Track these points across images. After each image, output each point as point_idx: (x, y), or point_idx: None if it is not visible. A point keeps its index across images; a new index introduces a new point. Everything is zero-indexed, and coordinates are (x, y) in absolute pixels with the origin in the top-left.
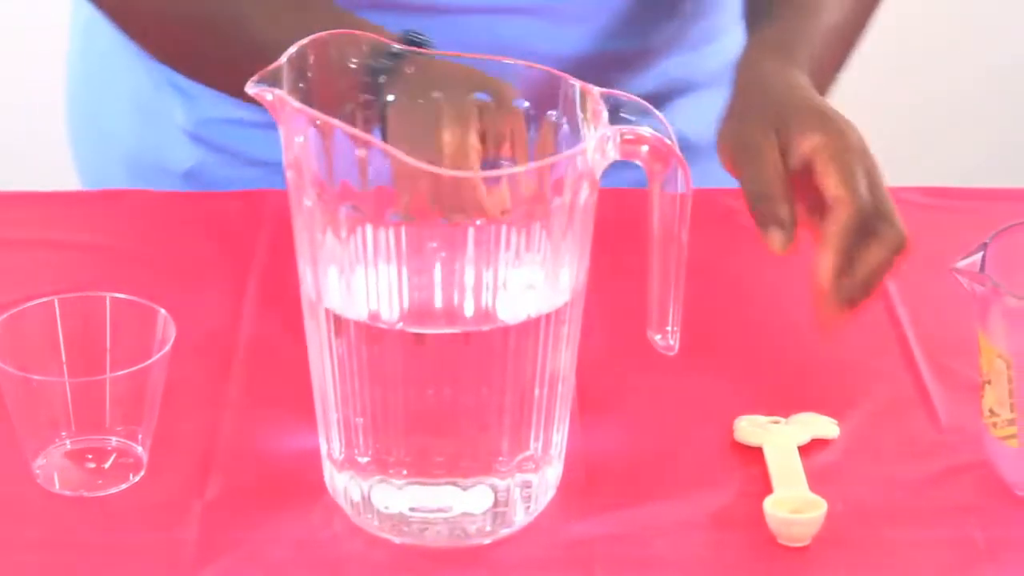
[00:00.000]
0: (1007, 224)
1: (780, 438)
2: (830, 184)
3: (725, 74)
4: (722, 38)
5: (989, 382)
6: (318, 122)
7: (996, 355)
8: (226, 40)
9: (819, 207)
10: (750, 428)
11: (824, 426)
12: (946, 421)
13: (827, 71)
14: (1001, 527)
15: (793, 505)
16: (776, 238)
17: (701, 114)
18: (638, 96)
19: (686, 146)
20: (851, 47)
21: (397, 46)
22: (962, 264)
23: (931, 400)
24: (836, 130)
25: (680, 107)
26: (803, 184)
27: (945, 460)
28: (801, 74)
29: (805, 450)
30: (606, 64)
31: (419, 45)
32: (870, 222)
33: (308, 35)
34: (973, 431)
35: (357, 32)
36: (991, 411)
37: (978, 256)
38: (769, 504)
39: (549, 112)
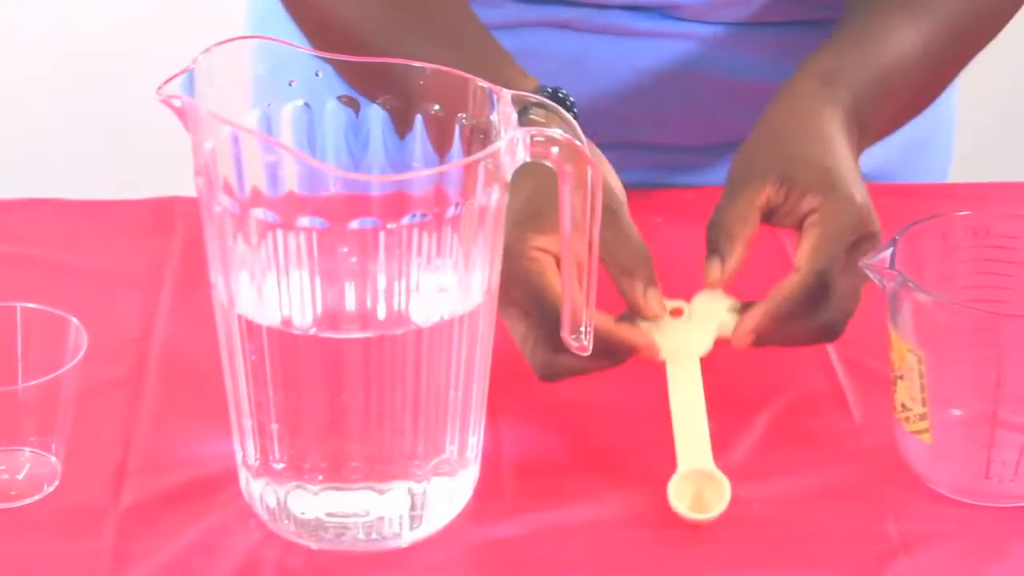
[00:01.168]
0: (917, 220)
1: (681, 343)
2: (800, 250)
3: None
4: None
5: (901, 377)
6: (227, 128)
7: (907, 350)
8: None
9: None
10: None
11: (726, 309)
12: (859, 416)
13: (882, 107)
14: (915, 521)
15: (696, 485)
16: (711, 269)
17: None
18: None
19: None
20: (914, 99)
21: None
22: (872, 260)
23: (844, 396)
24: (836, 200)
25: None
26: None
27: (859, 455)
28: (836, 113)
29: (716, 432)
30: (767, 93)
31: (561, 103)
32: (818, 301)
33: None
34: (886, 426)
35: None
36: (903, 406)
37: (888, 252)
38: (673, 492)
39: (459, 114)
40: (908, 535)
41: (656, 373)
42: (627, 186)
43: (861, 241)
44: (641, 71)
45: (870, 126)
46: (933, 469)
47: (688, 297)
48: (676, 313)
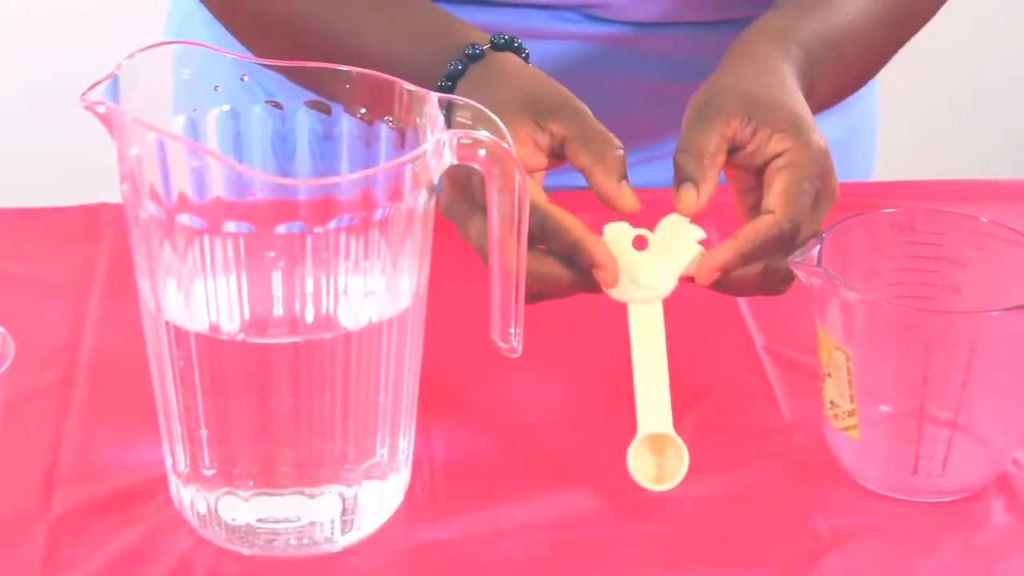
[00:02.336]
0: (843, 218)
1: (645, 280)
2: (770, 194)
3: None
4: None
5: (829, 374)
6: (153, 134)
7: (835, 347)
8: (324, 51)
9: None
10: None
11: (691, 239)
12: (789, 413)
13: (832, 68)
14: (845, 517)
15: (654, 450)
16: (686, 195)
17: None
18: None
19: None
20: (866, 62)
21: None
22: (799, 258)
23: (774, 393)
24: (807, 144)
25: None
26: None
27: (789, 452)
28: (791, 67)
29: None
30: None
31: (517, 51)
32: (785, 245)
33: (399, 40)
34: (815, 423)
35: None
36: (832, 403)
37: (814, 250)
38: (632, 458)
39: (386, 117)
40: (838, 531)
41: (589, 370)
42: (548, 189)
43: (823, 191)
44: (560, 72)
45: (819, 86)
46: (862, 465)
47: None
48: (640, 243)
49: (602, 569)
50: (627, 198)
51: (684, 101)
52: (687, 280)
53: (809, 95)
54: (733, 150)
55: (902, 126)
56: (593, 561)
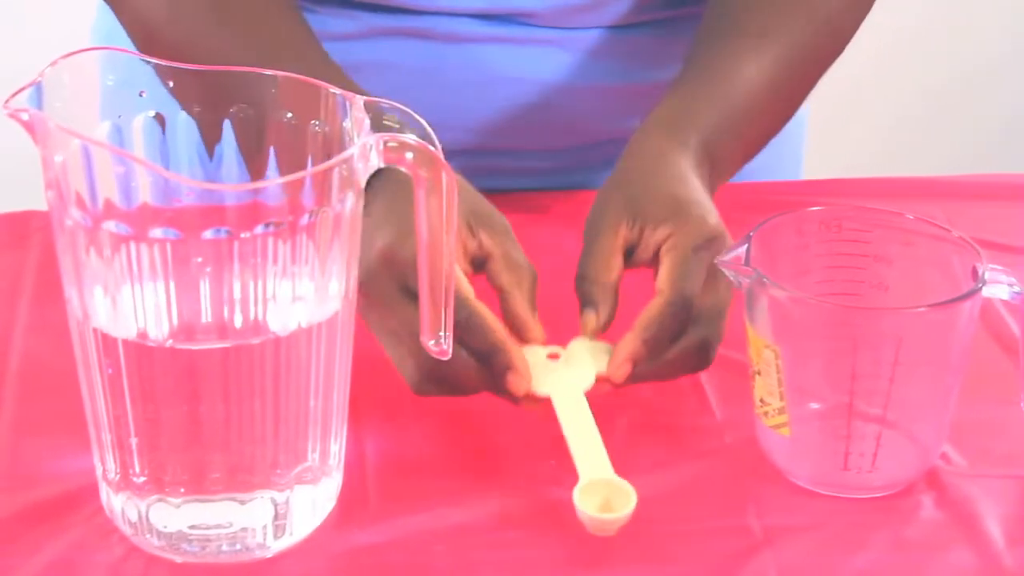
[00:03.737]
0: (771, 216)
1: (566, 385)
2: (659, 275)
3: None
4: None
5: (759, 373)
6: (78, 141)
7: (764, 346)
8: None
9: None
10: (535, 370)
11: (601, 354)
12: (720, 412)
13: (733, 144)
14: (777, 514)
15: (603, 495)
16: (587, 321)
17: None
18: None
19: None
20: (763, 130)
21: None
22: (727, 257)
23: (705, 392)
24: (687, 223)
25: None
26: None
27: (720, 450)
28: (684, 156)
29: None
30: (632, 96)
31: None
32: (685, 321)
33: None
34: (747, 421)
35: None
36: (762, 401)
37: (743, 249)
38: (579, 494)
39: (312, 122)
40: (770, 529)
41: None
42: (484, 191)
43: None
44: (496, 79)
45: (722, 163)
46: (793, 462)
47: (563, 344)
48: (553, 357)
49: (535, 570)
50: (537, 329)
51: (614, 102)
52: (603, 381)
53: (714, 174)
54: (629, 253)
55: (829, 125)
56: (526, 563)
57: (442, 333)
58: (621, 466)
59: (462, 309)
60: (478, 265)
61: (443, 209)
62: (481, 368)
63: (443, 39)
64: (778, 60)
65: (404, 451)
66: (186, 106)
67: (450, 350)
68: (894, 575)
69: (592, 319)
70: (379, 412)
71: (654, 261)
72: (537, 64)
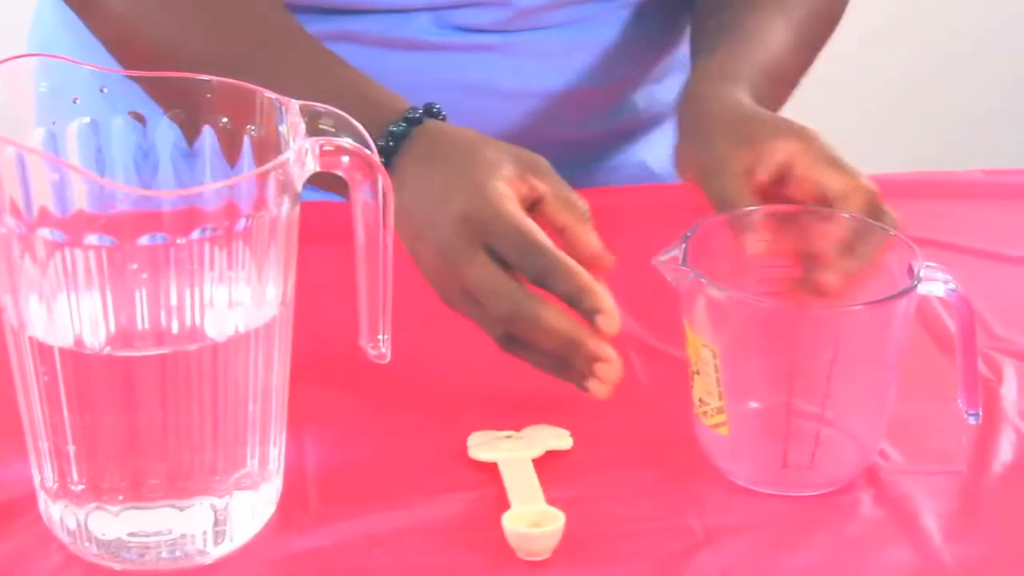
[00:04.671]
0: (708, 216)
1: (514, 454)
2: (833, 178)
3: None
4: (687, 66)
5: (697, 372)
6: (11, 148)
7: (702, 345)
8: None
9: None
10: (483, 444)
11: (557, 438)
12: (660, 411)
13: (771, 97)
14: (717, 514)
15: (532, 519)
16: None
17: (668, 147)
18: (609, 132)
19: (654, 179)
20: (792, 84)
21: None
22: (664, 257)
23: (644, 392)
24: (809, 136)
25: (649, 141)
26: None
27: (660, 450)
28: (748, 97)
29: (539, 461)
30: (575, 100)
31: (435, 116)
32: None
33: (332, 97)
34: (686, 420)
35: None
36: (701, 400)
37: (680, 249)
38: (507, 519)
39: (248, 126)
40: (711, 528)
41: (460, 374)
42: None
43: None
44: (441, 84)
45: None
46: (732, 461)
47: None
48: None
49: (475, 572)
50: (608, 256)
51: (560, 106)
52: (555, 454)
53: None
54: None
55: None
56: (466, 566)
57: (381, 336)
58: (560, 465)
59: (542, 257)
60: (531, 208)
61: (379, 212)
62: (565, 320)
63: (389, 45)
64: (798, 21)
65: (344, 455)
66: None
67: (388, 354)
68: (834, 573)
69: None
70: (319, 416)
71: (775, 175)
72: (481, 70)
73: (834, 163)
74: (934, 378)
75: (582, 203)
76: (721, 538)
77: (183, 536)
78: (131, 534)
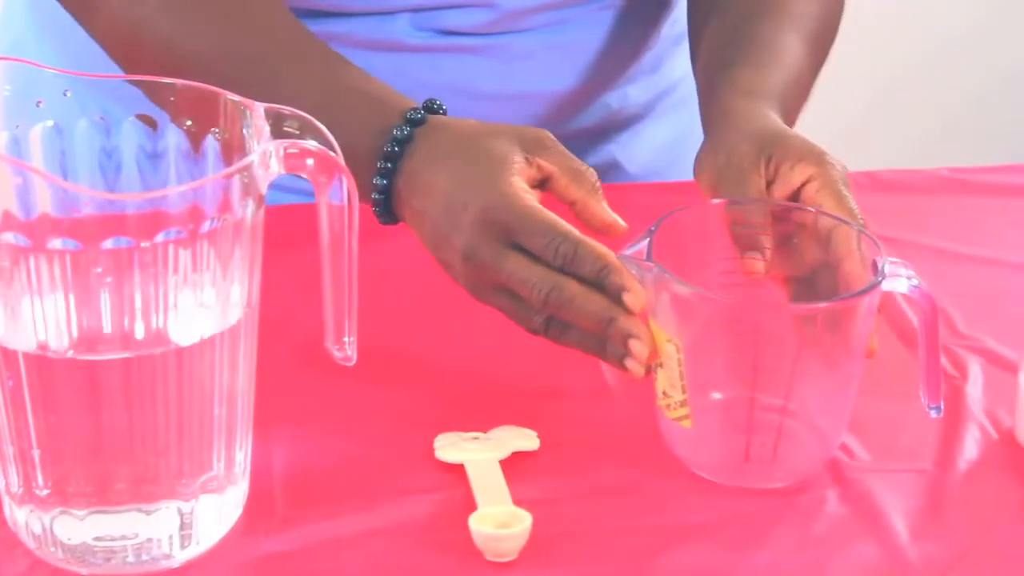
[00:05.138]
0: (673, 210)
1: (481, 455)
2: (837, 210)
3: (659, 103)
4: (660, 68)
5: (661, 365)
6: None
7: (666, 340)
8: (245, 93)
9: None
10: (450, 445)
11: (524, 439)
12: (626, 410)
13: (792, 113)
14: (682, 512)
15: (499, 520)
16: (754, 264)
17: (641, 146)
18: (582, 132)
19: (626, 178)
20: (807, 97)
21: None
22: (629, 251)
23: (611, 390)
24: (827, 164)
25: (621, 141)
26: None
27: (624, 450)
28: (772, 112)
29: (506, 462)
30: (552, 101)
31: (436, 112)
32: None
33: (334, 100)
34: (650, 419)
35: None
36: (664, 393)
37: (644, 243)
38: (474, 520)
39: (212, 129)
40: (677, 528)
41: (426, 377)
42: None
43: None
44: (420, 86)
45: (788, 123)
46: (695, 454)
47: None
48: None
49: (442, 574)
50: (621, 223)
51: (515, 105)
52: (522, 455)
53: None
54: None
55: None
56: (432, 567)
57: (346, 339)
58: (526, 467)
59: (566, 243)
60: (540, 185)
61: (344, 214)
62: (599, 298)
63: (371, 47)
64: (809, 39)
65: (311, 458)
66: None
67: (354, 356)
68: (800, 571)
69: (759, 261)
70: (285, 419)
71: (789, 196)
72: (462, 71)
73: (838, 196)
74: (900, 376)
75: (590, 174)
76: (688, 537)
77: (149, 540)
78: (97, 538)
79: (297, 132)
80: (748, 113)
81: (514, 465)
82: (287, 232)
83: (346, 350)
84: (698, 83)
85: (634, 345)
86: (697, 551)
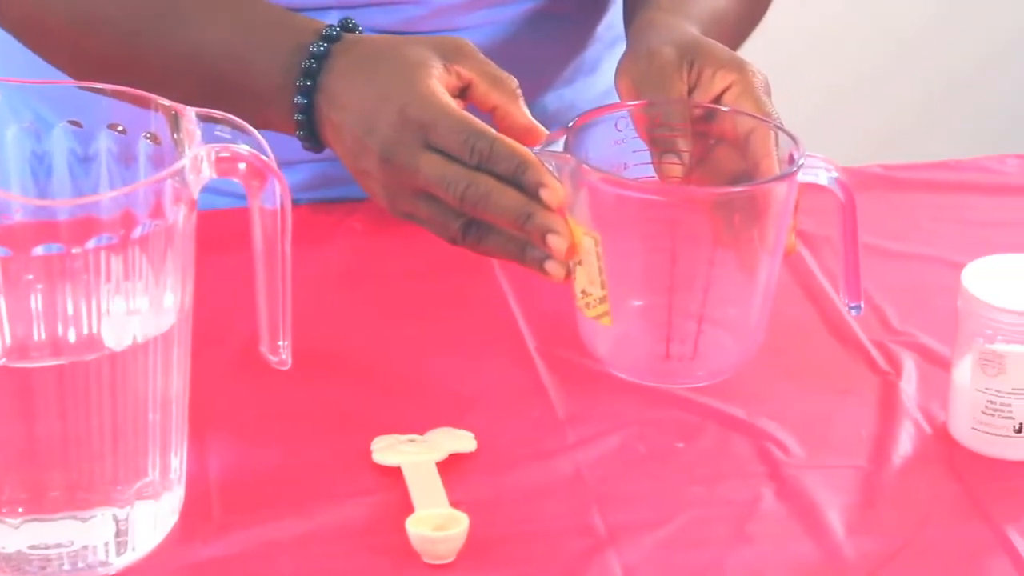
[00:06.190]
0: (590, 111)
1: (417, 457)
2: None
3: (597, 105)
4: (597, 69)
5: (579, 263)
6: None
7: (584, 233)
8: (158, 45)
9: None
10: (387, 448)
11: (460, 440)
12: (563, 412)
13: (717, 34)
14: (620, 513)
15: (436, 522)
16: (671, 168)
17: None
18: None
19: None
20: (738, 35)
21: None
22: (546, 147)
23: (548, 393)
24: (749, 71)
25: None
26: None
27: (563, 450)
28: (696, 32)
29: (443, 464)
30: None
31: (352, 31)
32: None
33: (247, 31)
34: (590, 419)
35: None
36: (583, 292)
37: (561, 140)
38: (411, 523)
39: (144, 134)
40: (614, 527)
41: (361, 380)
42: (338, 201)
43: None
44: None
45: None
46: (615, 353)
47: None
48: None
49: None
50: (541, 128)
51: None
52: (459, 456)
53: None
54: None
55: None
56: (371, 570)
57: (281, 343)
58: (464, 469)
59: (481, 140)
60: (460, 94)
61: (277, 218)
62: (517, 193)
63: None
64: None
65: (247, 462)
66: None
67: (289, 360)
68: (737, 569)
69: (677, 165)
70: (221, 424)
71: (713, 102)
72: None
73: (758, 101)
74: (833, 371)
75: (510, 80)
76: (624, 537)
77: (85, 547)
78: (32, 547)
79: (229, 136)
80: (671, 24)
81: (451, 467)
82: (220, 236)
83: (281, 354)
84: (625, 7)
85: (552, 240)
86: (635, 551)
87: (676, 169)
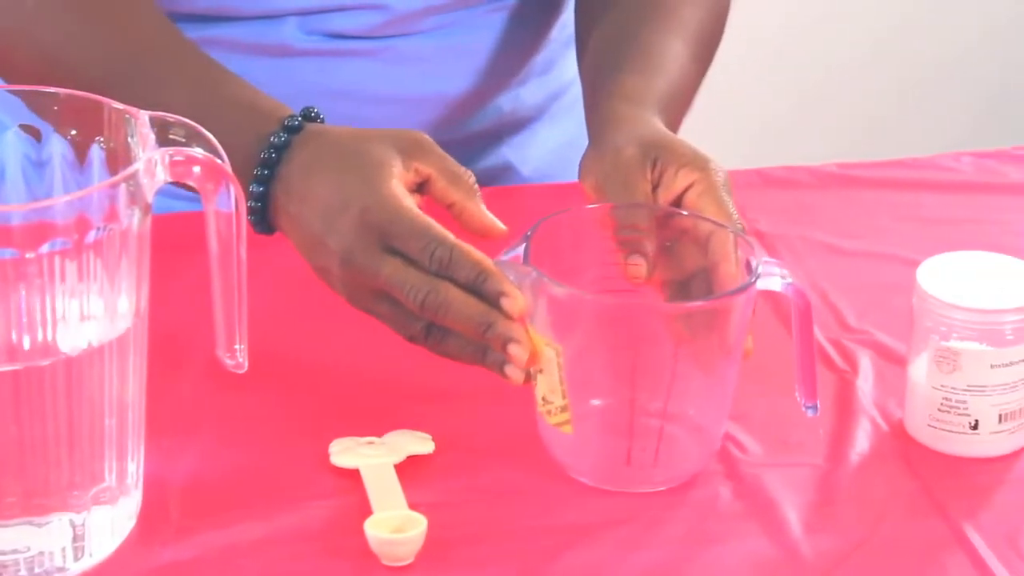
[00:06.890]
0: (548, 215)
1: (376, 460)
2: (716, 216)
3: (551, 105)
4: (551, 70)
5: (540, 371)
6: None
7: (545, 344)
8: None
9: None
10: (345, 451)
11: (419, 442)
12: (517, 414)
13: (676, 118)
14: (576, 513)
15: (394, 524)
16: (638, 270)
17: (534, 148)
18: (475, 135)
19: (520, 181)
20: (691, 101)
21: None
22: (506, 256)
23: (503, 394)
24: (711, 169)
25: (515, 143)
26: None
27: (517, 452)
28: (656, 118)
29: (401, 467)
30: (444, 104)
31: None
32: None
33: (210, 111)
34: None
35: None
36: (544, 399)
37: (521, 248)
38: (369, 525)
39: (97, 138)
40: (574, 528)
41: (321, 382)
42: None
43: None
44: (310, 90)
45: (672, 128)
46: (576, 459)
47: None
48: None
49: None
50: (499, 225)
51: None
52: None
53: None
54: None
55: None
56: (330, 572)
57: (238, 346)
58: (420, 471)
59: (442, 247)
60: (418, 189)
61: (232, 221)
62: (477, 302)
63: (258, 51)
64: (693, 43)
65: (205, 466)
66: None
67: (246, 363)
68: (696, 568)
69: (643, 266)
70: (178, 429)
71: (676, 200)
72: (353, 75)
73: (719, 201)
74: (790, 370)
75: (468, 176)
76: (584, 537)
77: (41, 553)
78: None
79: (183, 140)
80: (634, 119)
81: (409, 469)
82: (176, 240)
83: (237, 357)
84: (583, 81)
85: (513, 349)
86: (594, 551)
87: (641, 269)
